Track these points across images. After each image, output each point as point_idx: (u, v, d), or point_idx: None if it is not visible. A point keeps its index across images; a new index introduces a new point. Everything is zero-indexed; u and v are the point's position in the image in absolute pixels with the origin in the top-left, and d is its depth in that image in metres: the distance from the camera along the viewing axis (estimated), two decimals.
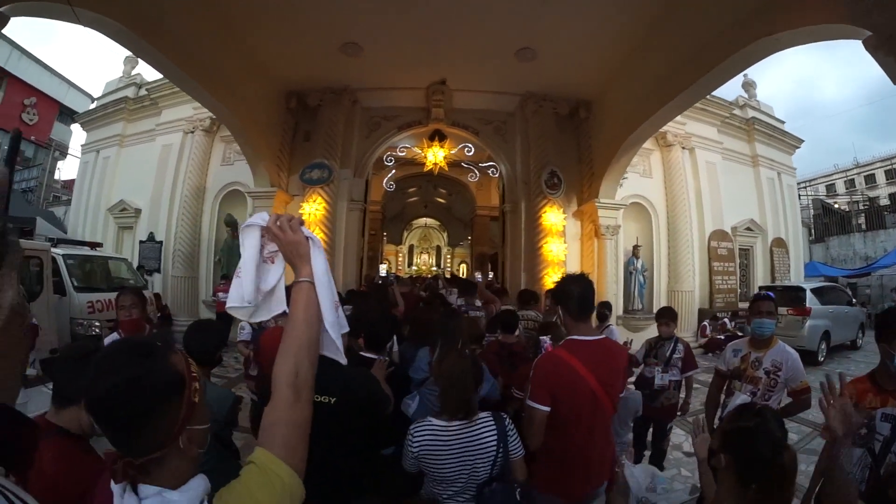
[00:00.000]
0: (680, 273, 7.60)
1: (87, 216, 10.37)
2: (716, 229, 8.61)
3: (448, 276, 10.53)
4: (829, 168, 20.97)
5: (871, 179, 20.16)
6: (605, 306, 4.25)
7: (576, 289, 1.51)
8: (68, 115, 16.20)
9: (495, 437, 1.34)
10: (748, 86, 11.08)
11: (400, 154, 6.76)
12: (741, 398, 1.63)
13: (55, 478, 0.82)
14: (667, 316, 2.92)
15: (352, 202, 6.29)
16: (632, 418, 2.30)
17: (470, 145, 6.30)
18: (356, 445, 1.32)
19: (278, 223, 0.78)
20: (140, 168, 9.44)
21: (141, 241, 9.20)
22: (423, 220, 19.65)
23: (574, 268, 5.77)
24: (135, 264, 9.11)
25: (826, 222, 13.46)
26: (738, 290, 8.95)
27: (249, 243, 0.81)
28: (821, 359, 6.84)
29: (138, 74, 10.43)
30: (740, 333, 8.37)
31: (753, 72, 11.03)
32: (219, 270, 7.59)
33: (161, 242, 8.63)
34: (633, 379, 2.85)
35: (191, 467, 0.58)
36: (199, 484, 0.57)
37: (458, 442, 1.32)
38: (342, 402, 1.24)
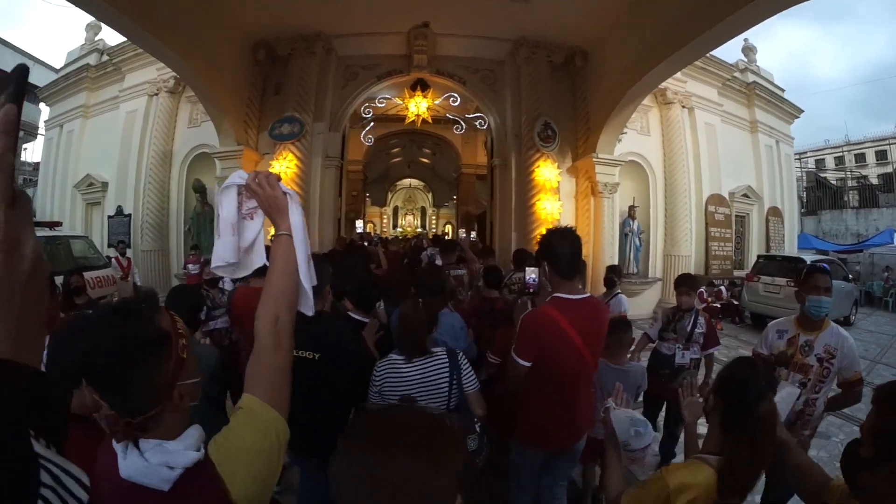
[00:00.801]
0: (677, 237, 7.15)
1: (55, 195, 9.57)
2: (713, 193, 8.14)
3: (431, 237, 10.13)
4: (819, 143, 20.68)
5: (861, 158, 19.87)
6: (614, 271, 3.74)
7: (565, 246, 1.42)
8: (35, 94, 15.01)
9: (447, 371, 1.40)
10: (748, 50, 10.49)
11: (379, 105, 6.08)
12: (788, 390, 1.45)
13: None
14: (687, 284, 2.49)
15: (327, 159, 5.61)
16: (635, 394, 1.99)
17: (456, 95, 5.66)
18: (339, 401, 1.35)
19: (257, 180, 0.78)
20: (105, 139, 8.63)
21: (109, 217, 8.46)
22: (407, 182, 19.10)
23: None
24: (105, 241, 8.48)
25: (819, 196, 13.15)
26: (734, 258, 8.60)
27: (227, 202, 0.81)
28: None
29: (101, 40, 9.45)
30: (736, 302, 8.08)
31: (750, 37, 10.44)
32: (189, 241, 6.94)
33: (129, 216, 7.91)
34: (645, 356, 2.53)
35: (185, 419, 0.60)
36: (194, 433, 0.59)
37: (413, 375, 1.38)
38: (326, 358, 1.27)
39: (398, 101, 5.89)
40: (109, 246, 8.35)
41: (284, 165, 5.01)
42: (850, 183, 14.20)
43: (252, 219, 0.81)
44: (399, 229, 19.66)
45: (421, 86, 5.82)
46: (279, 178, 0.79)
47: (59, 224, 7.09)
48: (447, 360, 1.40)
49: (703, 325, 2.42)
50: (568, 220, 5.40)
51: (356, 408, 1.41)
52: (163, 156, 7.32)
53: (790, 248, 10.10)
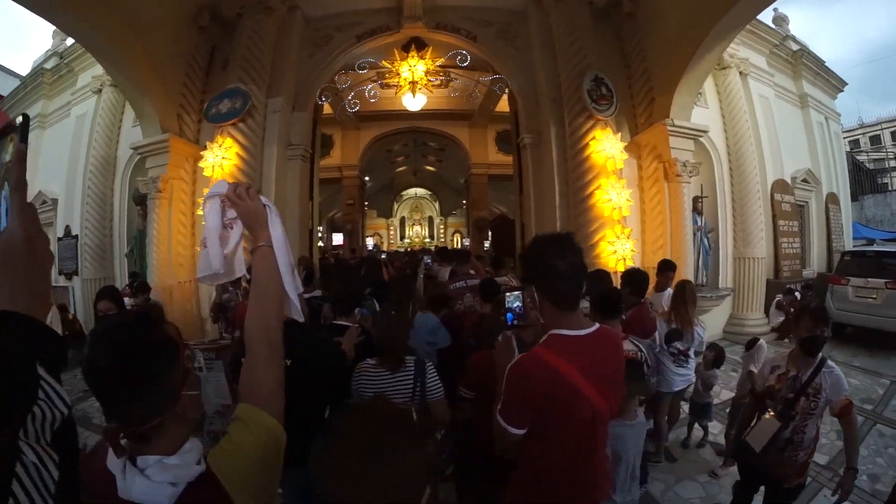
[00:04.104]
0: (750, 234, 5.15)
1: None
2: (777, 179, 6.17)
3: (434, 248, 8.34)
4: (851, 124, 18.24)
5: (876, 140, 17.78)
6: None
7: (562, 262, 0.87)
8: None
9: (412, 377, 1.37)
10: (780, 20, 8.57)
11: (360, 72, 4.19)
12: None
13: None
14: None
15: (290, 147, 3.71)
16: (634, 461, 1.52)
17: (465, 53, 3.79)
18: (315, 404, 1.31)
19: (237, 191, 0.75)
20: (57, 150, 6.85)
21: (59, 238, 6.69)
22: (413, 191, 17.34)
23: (636, 228, 3.37)
24: (55, 268, 6.70)
25: (859, 179, 11.11)
26: (801, 256, 6.60)
27: (212, 213, 0.77)
28: None
29: (64, 43, 7.77)
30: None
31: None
32: (131, 266, 5.10)
33: (76, 237, 6.12)
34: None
35: (186, 433, 0.56)
36: (193, 446, 0.56)
37: (383, 379, 1.38)
38: (296, 364, 1.21)
39: (386, 64, 3.99)
40: (60, 273, 6.57)
41: (219, 155, 3.16)
42: (891, 163, 12.10)
43: (232, 228, 0.78)
44: (407, 240, 17.81)
45: (416, 45, 3.96)
46: (259, 191, 0.77)
47: None
48: (413, 367, 1.39)
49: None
50: (634, 217, 3.47)
51: (331, 407, 1.35)
52: (105, 162, 5.47)
53: (848, 239, 8.11)
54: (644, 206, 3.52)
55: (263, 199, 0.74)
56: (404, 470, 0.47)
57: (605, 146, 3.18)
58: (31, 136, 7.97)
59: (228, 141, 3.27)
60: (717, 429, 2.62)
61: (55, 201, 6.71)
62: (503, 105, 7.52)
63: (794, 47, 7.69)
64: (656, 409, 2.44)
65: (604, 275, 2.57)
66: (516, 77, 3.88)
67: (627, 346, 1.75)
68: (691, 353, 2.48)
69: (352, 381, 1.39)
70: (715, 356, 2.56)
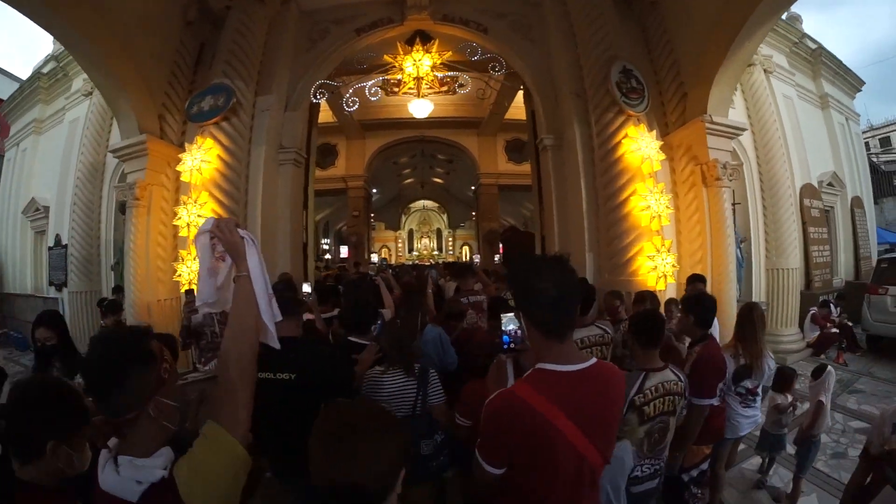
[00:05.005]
0: (783, 243, 4.63)
1: (8, 223, 7.50)
2: (805, 183, 5.68)
3: (442, 261, 7.90)
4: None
5: (886, 143, 17.16)
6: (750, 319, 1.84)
7: (548, 283, 0.74)
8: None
9: (415, 384, 1.38)
10: (793, 19, 8.16)
11: (360, 67, 3.76)
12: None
13: None
14: None
15: (281, 150, 3.27)
16: (625, 482, 1.24)
17: (475, 45, 3.35)
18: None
19: (218, 225, 0.80)
20: (51, 156, 6.55)
21: (49, 248, 6.31)
22: (420, 203, 16.84)
23: (671, 240, 2.88)
24: (45, 277, 6.32)
25: (876, 181, 10.53)
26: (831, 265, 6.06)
27: (202, 248, 0.83)
28: None
29: (60, 47, 7.47)
30: (850, 323, 5.53)
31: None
32: (117, 279, 4.68)
33: (66, 247, 5.73)
34: None
35: (160, 439, 0.62)
36: (163, 453, 0.61)
37: (388, 384, 1.39)
38: (301, 378, 1.23)
39: (388, 59, 3.55)
40: (51, 284, 6.18)
41: (199, 158, 2.73)
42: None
43: (224, 260, 0.83)
44: (415, 253, 17.38)
45: (421, 39, 3.53)
46: (237, 224, 0.81)
47: None
48: (417, 373, 1.40)
49: None
50: (669, 227, 2.98)
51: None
52: (93, 169, 5.08)
53: (873, 245, 7.57)
54: (679, 215, 3.02)
55: (241, 231, 0.80)
56: (379, 452, 0.53)
57: (641, 145, 2.69)
58: (28, 142, 7.62)
59: (209, 142, 2.84)
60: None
61: (47, 209, 6.37)
62: (513, 112, 7.08)
63: (812, 46, 7.24)
64: (716, 455, 1.95)
65: (649, 296, 2.09)
66: (532, 72, 3.42)
67: (668, 375, 1.39)
68: (759, 389, 2.02)
69: (364, 386, 1.40)
70: (783, 382, 2.10)
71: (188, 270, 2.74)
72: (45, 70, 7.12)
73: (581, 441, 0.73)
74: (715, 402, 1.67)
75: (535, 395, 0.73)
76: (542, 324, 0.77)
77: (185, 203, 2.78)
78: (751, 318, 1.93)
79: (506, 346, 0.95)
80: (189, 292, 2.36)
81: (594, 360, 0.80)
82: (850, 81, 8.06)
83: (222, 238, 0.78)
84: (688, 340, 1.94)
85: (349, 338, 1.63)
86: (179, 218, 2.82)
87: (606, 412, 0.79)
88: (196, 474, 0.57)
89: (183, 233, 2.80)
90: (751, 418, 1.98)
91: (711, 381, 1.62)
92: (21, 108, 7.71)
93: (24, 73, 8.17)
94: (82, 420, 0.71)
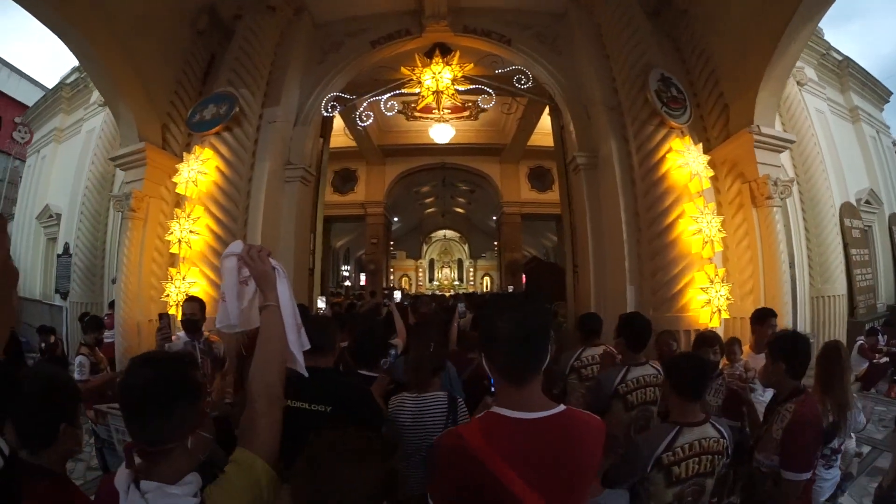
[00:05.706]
0: (827, 268, 4.14)
1: (25, 229, 7.50)
2: (844, 202, 5.21)
3: (464, 293, 7.52)
4: None
5: None
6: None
7: (507, 324, 0.69)
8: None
9: (445, 407, 1.42)
10: (817, 31, 7.84)
11: (376, 79, 3.50)
12: None
13: None
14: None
15: (288, 167, 2.99)
16: None
17: (500, 57, 3.06)
18: None
19: (249, 253, 0.80)
20: (67, 164, 6.55)
21: (58, 255, 6.20)
22: (441, 233, 16.55)
23: (721, 266, 2.47)
24: (52, 284, 6.19)
25: None
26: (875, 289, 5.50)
27: (229, 270, 0.82)
28: None
29: None
30: None
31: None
32: (115, 294, 4.45)
33: (72, 256, 5.60)
34: None
35: (190, 466, 0.61)
36: (193, 479, 0.60)
37: (417, 407, 1.42)
38: (336, 410, 1.24)
39: (405, 72, 3.29)
40: (56, 292, 6.03)
41: (195, 169, 2.48)
42: None
43: (248, 284, 0.82)
44: (436, 283, 16.96)
45: (441, 51, 3.29)
46: (269, 253, 0.81)
47: None
48: (446, 401, 1.43)
49: None
50: (717, 254, 2.58)
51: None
52: (102, 179, 4.95)
53: None
54: (727, 240, 2.61)
55: (273, 262, 0.81)
56: (357, 479, 0.55)
57: (688, 160, 2.32)
58: (48, 150, 7.61)
59: (207, 152, 2.60)
60: None
61: (59, 216, 6.30)
62: (536, 139, 6.78)
63: (838, 58, 6.87)
64: None
65: (710, 337, 1.71)
66: (560, 85, 3.10)
67: (708, 431, 1.11)
68: (843, 447, 1.61)
69: (389, 409, 1.41)
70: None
71: (176, 291, 2.46)
72: (68, 80, 7.20)
73: (526, 494, 0.66)
74: (808, 475, 1.28)
75: (483, 442, 0.68)
76: (499, 367, 0.72)
77: (177, 217, 2.51)
78: (838, 362, 1.54)
79: (493, 389, 0.89)
80: (163, 316, 2.05)
81: (562, 407, 0.71)
82: (878, 93, 7.60)
83: (252, 267, 0.78)
84: (760, 389, 1.57)
85: (359, 371, 1.61)
86: (171, 232, 2.55)
87: (570, 464, 0.70)
88: (229, 497, 0.58)
89: (174, 249, 2.52)
90: (832, 479, 1.56)
91: (813, 448, 1.23)
92: (44, 117, 7.81)
93: (51, 83, 8.31)
94: (79, 400, 0.82)
